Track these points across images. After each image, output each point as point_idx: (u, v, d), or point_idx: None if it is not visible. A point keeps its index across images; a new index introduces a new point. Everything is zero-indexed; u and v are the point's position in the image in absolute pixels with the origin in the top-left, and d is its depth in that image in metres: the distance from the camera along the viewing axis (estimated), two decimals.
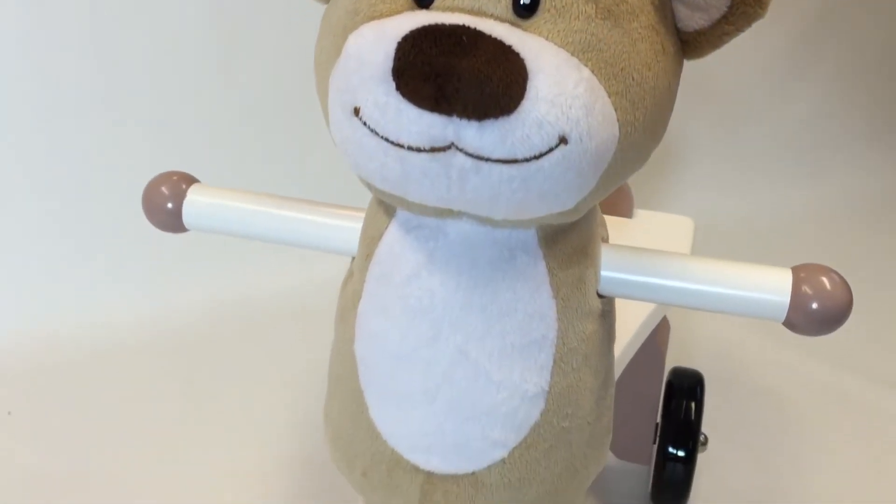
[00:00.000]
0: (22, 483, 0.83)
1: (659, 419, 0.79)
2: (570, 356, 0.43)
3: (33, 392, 0.95)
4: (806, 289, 0.42)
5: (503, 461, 0.43)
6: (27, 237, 1.08)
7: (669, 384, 0.80)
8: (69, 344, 1.01)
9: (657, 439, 0.79)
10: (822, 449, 0.90)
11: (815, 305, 0.41)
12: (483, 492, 0.43)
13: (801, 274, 0.42)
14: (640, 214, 0.83)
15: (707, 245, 0.81)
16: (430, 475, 0.44)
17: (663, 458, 0.78)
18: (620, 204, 0.82)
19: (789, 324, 0.42)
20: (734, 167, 1.44)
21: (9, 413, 0.92)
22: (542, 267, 0.42)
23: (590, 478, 0.47)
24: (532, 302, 0.42)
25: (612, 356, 0.48)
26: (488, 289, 0.41)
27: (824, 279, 0.42)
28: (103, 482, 0.83)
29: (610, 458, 0.85)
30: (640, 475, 0.85)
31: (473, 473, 0.43)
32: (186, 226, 0.50)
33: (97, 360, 0.99)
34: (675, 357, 0.85)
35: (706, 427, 0.79)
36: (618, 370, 0.61)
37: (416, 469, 0.44)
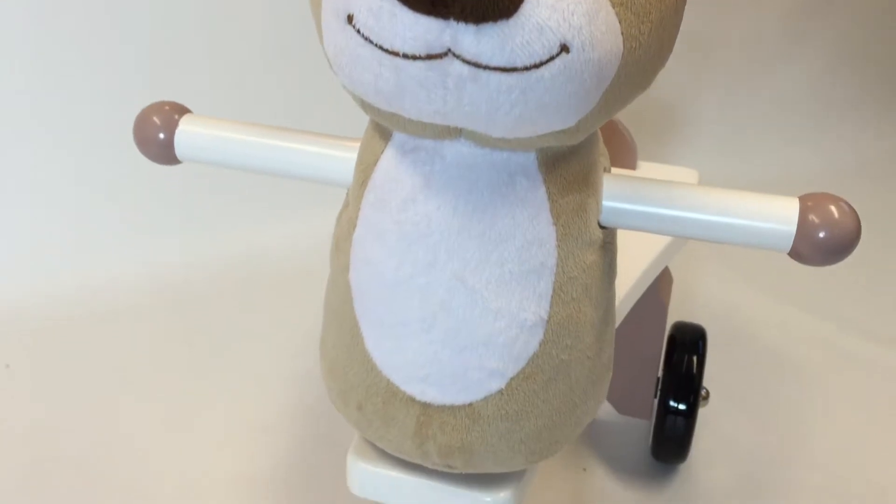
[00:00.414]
0: (21, 435, 0.82)
1: (660, 374, 0.79)
2: (570, 285, 0.42)
3: (33, 347, 0.94)
4: (813, 217, 0.40)
5: (500, 392, 0.42)
6: (28, 193, 1.08)
7: (671, 338, 0.79)
8: (70, 300, 1.00)
9: (658, 393, 0.78)
10: (824, 406, 0.89)
11: (822, 234, 0.40)
12: (480, 423, 0.42)
13: (809, 203, 0.41)
14: (644, 166, 0.82)
15: None
16: (426, 407, 0.43)
17: (664, 412, 0.77)
18: (624, 155, 0.81)
19: (795, 254, 0.41)
20: (740, 128, 1.43)
21: (7, 366, 0.92)
22: (541, 192, 0.41)
23: (588, 414, 0.46)
24: (531, 228, 0.40)
25: (614, 291, 0.47)
26: (486, 214, 0.40)
27: (832, 207, 0.41)
28: (102, 435, 0.83)
29: (611, 414, 0.85)
30: (640, 430, 0.85)
31: (470, 405, 0.42)
32: (179, 157, 0.49)
33: (97, 316, 0.99)
34: (678, 313, 0.84)
35: (707, 383, 0.78)
36: (618, 317, 0.60)
37: (411, 400, 0.43)
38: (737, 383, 0.92)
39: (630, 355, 0.79)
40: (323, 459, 0.81)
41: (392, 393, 0.43)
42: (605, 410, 0.85)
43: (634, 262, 0.67)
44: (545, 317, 0.41)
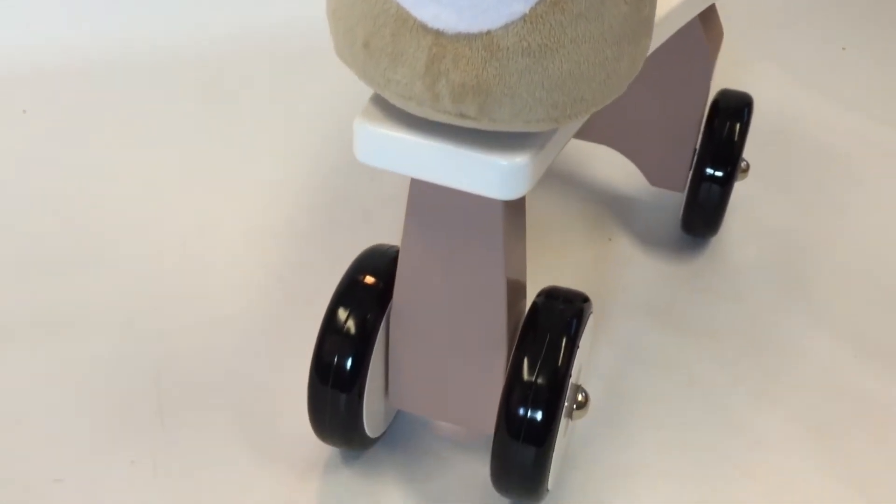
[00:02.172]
0: (36, 173, 0.81)
1: (698, 144, 0.74)
2: None
3: (49, 94, 0.91)
4: None
5: (523, 19, 0.38)
6: None
7: (715, 103, 0.74)
8: (86, 50, 0.96)
9: (695, 162, 0.74)
10: (866, 198, 0.85)
11: None
12: (498, 56, 0.38)
13: None
14: None
15: None
16: (438, 36, 0.38)
17: (699, 180, 0.73)
18: None
19: None
20: None
21: (24, 111, 0.89)
22: None
23: (619, 78, 0.42)
24: None
25: None
26: None
27: None
28: (116, 180, 0.81)
29: (642, 187, 0.82)
30: (672, 203, 0.81)
31: (489, 33, 0.38)
32: None
33: (115, 70, 0.95)
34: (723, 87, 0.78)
35: (750, 162, 0.74)
36: (660, 37, 0.55)
37: (423, 29, 0.39)
38: (778, 167, 0.87)
39: (669, 120, 0.75)
40: (336, 214, 0.78)
41: (402, 21, 0.39)
42: (637, 182, 0.81)
43: None
44: None
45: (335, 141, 0.86)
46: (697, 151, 0.74)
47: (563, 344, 0.50)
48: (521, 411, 0.49)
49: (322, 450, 0.58)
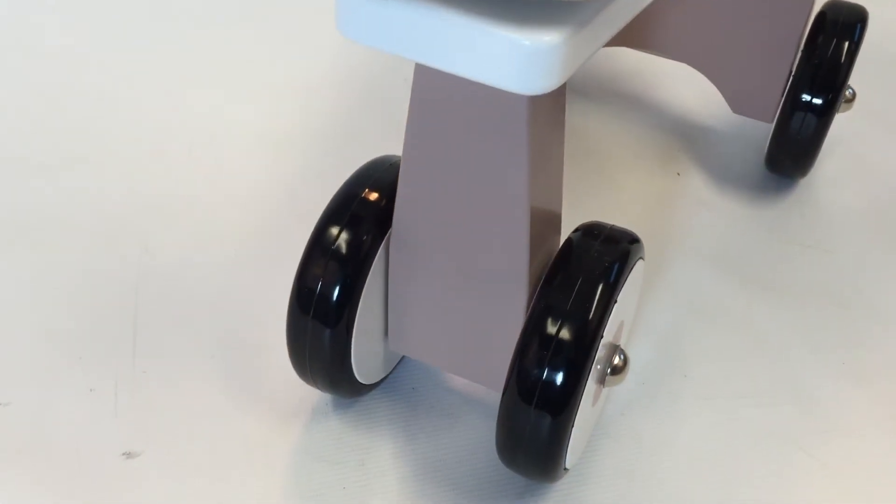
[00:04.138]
0: (51, 60, 0.73)
1: (795, 66, 0.61)
2: None
3: None
4: None
5: None
6: None
7: (821, 17, 0.62)
8: None
9: (789, 86, 0.61)
10: None
11: None
12: None
13: None
14: None
15: None
16: None
17: (792, 108, 0.61)
18: None
19: None
20: None
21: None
22: None
23: None
24: None
25: None
26: None
27: None
28: (133, 79, 0.72)
29: (721, 116, 0.70)
30: (756, 135, 0.69)
31: None
32: None
33: None
34: None
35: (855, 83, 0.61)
36: None
37: None
38: (890, 101, 0.73)
39: (762, 35, 0.62)
40: (359, 123, 0.68)
41: None
42: (716, 109, 0.69)
43: None
44: None
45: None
46: (793, 74, 0.61)
47: (598, 292, 0.40)
48: (537, 371, 0.39)
49: (311, 394, 0.50)
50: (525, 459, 0.42)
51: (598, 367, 0.42)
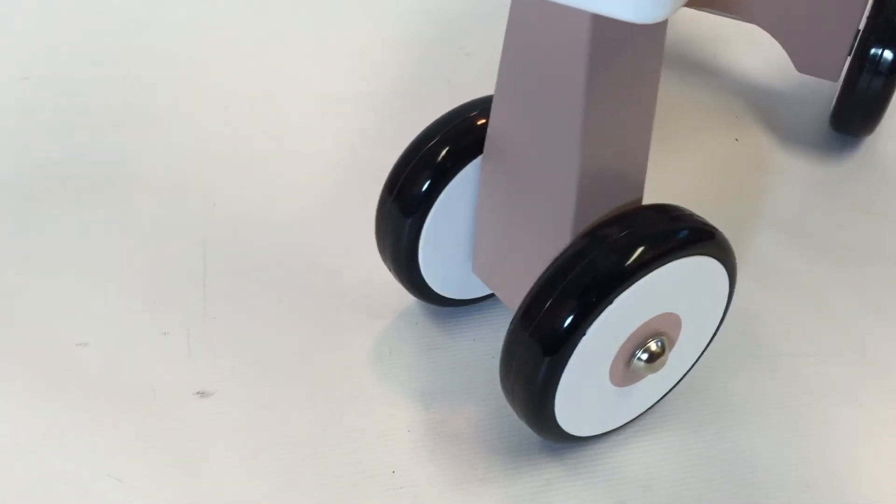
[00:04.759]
0: (106, 27, 0.74)
1: (863, 25, 0.60)
2: None
3: None
4: None
5: None
6: None
7: None
8: None
9: (856, 43, 0.60)
10: None
11: None
12: None
13: None
14: None
15: None
16: None
17: (860, 66, 0.60)
18: None
19: None
20: None
21: None
22: None
23: None
24: None
25: None
26: None
27: None
28: (186, 35, 0.74)
29: (784, 73, 0.69)
30: (821, 96, 0.68)
31: None
32: None
33: None
34: None
35: None
36: None
37: None
38: None
39: None
40: (422, 87, 0.69)
41: None
42: (780, 66, 0.68)
43: None
44: None
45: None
46: (861, 30, 0.60)
47: (634, 257, 0.40)
48: (543, 302, 0.40)
49: (374, 338, 0.51)
50: (514, 392, 0.43)
51: (627, 344, 0.42)
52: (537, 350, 0.40)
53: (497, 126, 0.44)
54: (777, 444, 0.48)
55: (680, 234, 0.42)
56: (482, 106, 0.47)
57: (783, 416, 0.49)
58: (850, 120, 0.63)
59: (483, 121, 0.46)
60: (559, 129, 0.40)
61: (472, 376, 0.50)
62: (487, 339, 0.52)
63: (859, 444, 0.48)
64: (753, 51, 0.69)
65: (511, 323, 0.42)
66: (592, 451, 0.47)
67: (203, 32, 0.74)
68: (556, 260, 0.41)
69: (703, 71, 0.71)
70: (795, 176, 0.63)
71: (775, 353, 0.52)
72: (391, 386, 0.50)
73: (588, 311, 0.40)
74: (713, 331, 0.48)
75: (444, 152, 0.46)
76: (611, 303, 0.40)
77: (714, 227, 0.43)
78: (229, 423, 0.48)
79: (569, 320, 0.40)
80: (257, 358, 0.51)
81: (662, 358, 0.43)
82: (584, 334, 0.40)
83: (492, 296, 0.53)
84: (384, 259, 0.50)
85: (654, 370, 0.44)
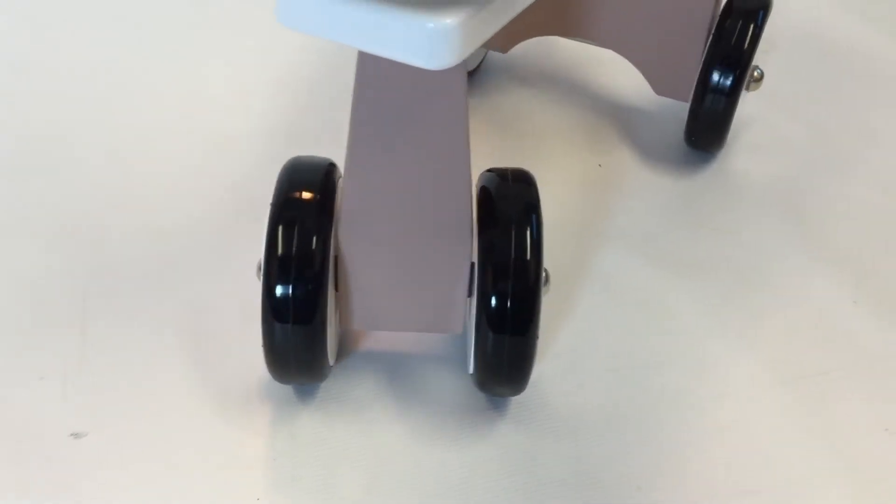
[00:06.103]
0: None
1: (706, 49, 0.65)
2: None
3: None
4: None
5: None
6: None
7: (729, 4, 0.66)
8: None
9: (700, 70, 0.65)
10: (890, 127, 0.75)
11: None
12: None
13: None
14: None
15: None
16: None
17: (704, 89, 0.65)
18: None
19: None
20: None
21: None
22: None
23: None
24: None
25: None
26: None
27: None
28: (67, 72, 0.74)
29: (644, 96, 0.74)
30: (677, 115, 0.73)
31: None
32: None
33: None
34: None
35: (763, 73, 0.65)
36: None
37: None
38: (798, 85, 0.78)
39: (677, 21, 0.66)
40: (296, 122, 0.71)
41: None
42: (641, 90, 0.72)
43: None
44: None
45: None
46: (704, 56, 0.65)
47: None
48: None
49: (256, 376, 0.52)
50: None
51: None
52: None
53: (356, 180, 0.46)
54: (617, 450, 0.50)
55: (533, 191, 0.48)
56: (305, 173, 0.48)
57: (624, 423, 0.52)
58: (700, 137, 0.68)
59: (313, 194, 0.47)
60: (440, 152, 0.45)
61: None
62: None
63: (698, 449, 0.51)
64: (631, 72, 0.74)
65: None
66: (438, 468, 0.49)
67: (92, 75, 0.74)
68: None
69: (582, 93, 0.76)
70: (652, 191, 0.67)
71: (620, 364, 0.55)
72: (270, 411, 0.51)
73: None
74: None
75: (312, 245, 0.46)
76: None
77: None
78: (103, 466, 0.48)
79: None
80: (135, 399, 0.51)
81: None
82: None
83: None
84: (289, 377, 0.50)
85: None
